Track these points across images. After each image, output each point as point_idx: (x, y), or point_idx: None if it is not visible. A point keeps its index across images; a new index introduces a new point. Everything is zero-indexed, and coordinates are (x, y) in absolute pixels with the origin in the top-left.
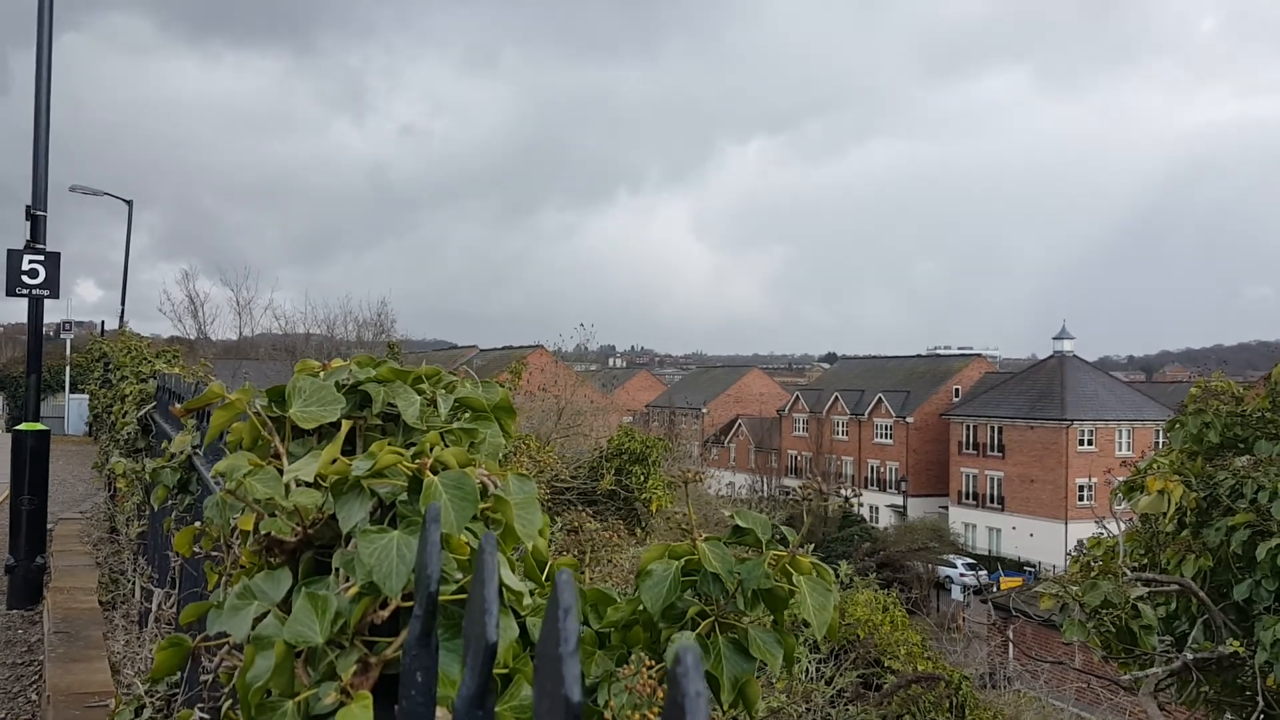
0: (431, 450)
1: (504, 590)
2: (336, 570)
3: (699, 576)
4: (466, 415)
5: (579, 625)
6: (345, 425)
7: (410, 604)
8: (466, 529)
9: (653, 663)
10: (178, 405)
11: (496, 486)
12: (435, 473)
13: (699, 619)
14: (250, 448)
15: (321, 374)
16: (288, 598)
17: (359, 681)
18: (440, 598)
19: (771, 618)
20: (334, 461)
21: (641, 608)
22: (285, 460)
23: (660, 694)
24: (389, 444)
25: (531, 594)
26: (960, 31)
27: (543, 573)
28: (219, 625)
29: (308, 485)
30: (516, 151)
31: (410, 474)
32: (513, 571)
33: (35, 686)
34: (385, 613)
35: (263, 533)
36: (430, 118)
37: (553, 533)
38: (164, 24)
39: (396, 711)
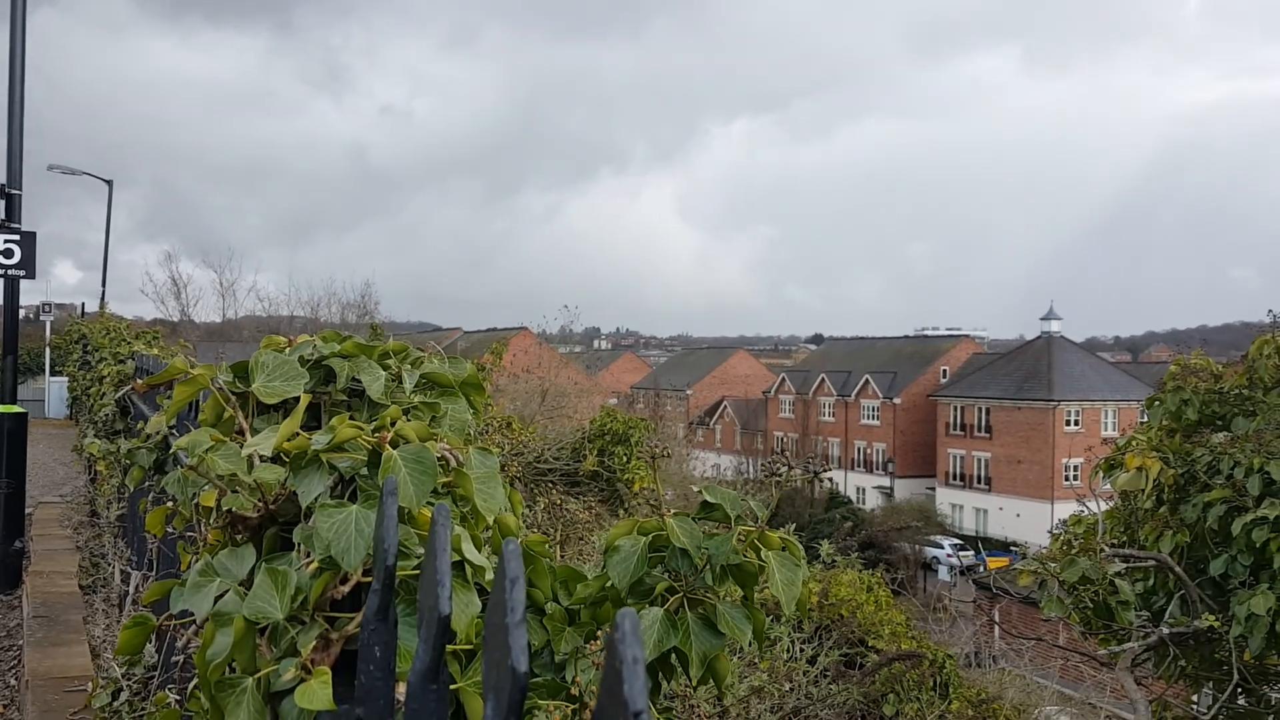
0: (393, 425)
1: (467, 566)
2: (298, 546)
3: (667, 552)
4: (433, 391)
5: (527, 596)
6: (305, 399)
7: (371, 579)
8: (430, 503)
9: None
10: (139, 381)
11: (458, 461)
12: (395, 446)
13: (668, 595)
14: (214, 424)
15: (287, 349)
16: (251, 575)
17: (320, 658)
18: (401, 573)
19: (742, 594)
20: (294, 436)
21: (610, 584)
22: (249, 436)
23: None
24: (353, 419)
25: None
26: (950, 10)
27: None
28: (181, 604)
29: (271, 462)
30: (498, 132)
31: (370, 448)
32: (477, 548)
33: (14, 671)
34: (346, 588)
35: (225, 509)
36: (411, 98)
37: (534, 514)
38: (141, 2)
39: (356, 687)
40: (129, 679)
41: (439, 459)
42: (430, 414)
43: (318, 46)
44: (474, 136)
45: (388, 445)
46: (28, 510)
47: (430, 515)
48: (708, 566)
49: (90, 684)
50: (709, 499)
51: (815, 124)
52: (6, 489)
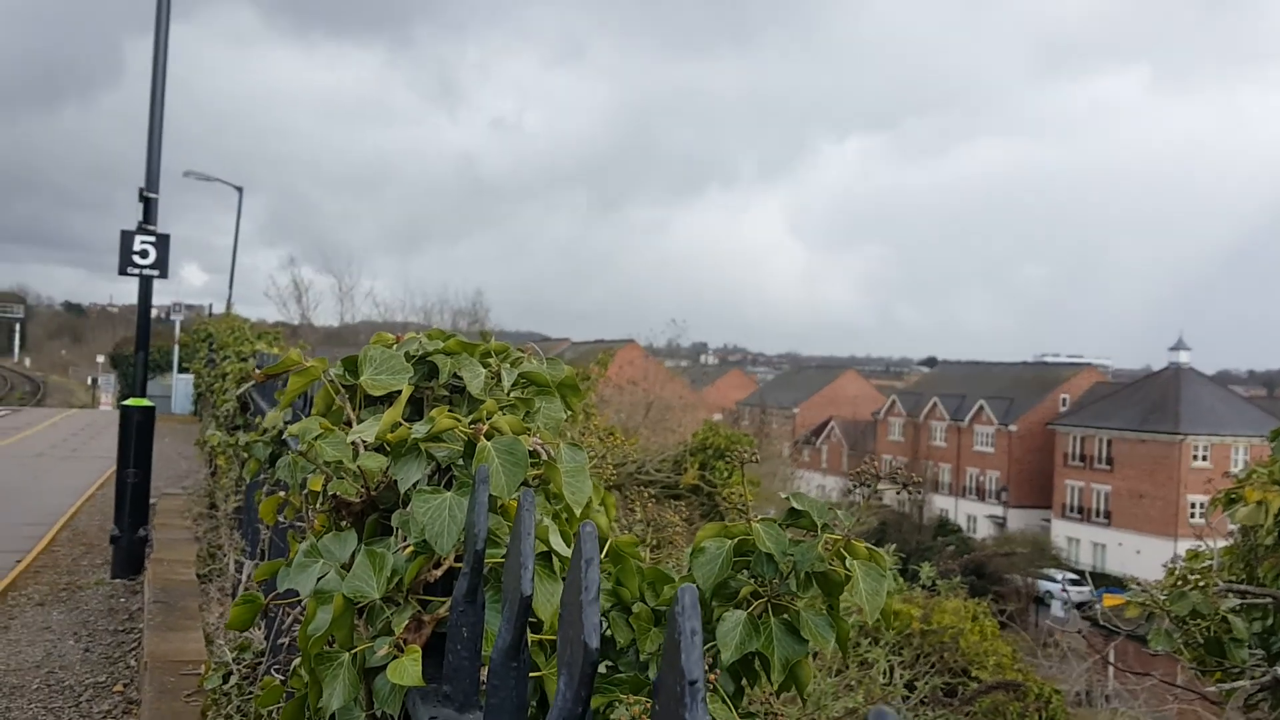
0: (488, 418)
1: (554, 557)
2: (396, 531)
3: (752, 557)
4: (530, 390)
5: (615, 595)
6: (406, 389)
7: (463, 564)
8: None
9: None
10: (258, 371)
11: (549, 455)
12: (490, 438)
13: (752, 599)
14: (324, 413)
15: (394, 345)
16: (353, 558)
17: (412, 638)
18: (490, 560)
19: (827, 602)
20: (396, 426)
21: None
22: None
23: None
24: (453, 414)
25: None
26: (1072, 29)
27: (602, 549)
28: (287, 583)
29: (375, 451)
30: (608, 146)
31: (466, 438)
32: (567, 544)
33: (134, 653)
34: (438, 572)
35: (330, 494)
36: (522, 111)
37: (630, 522)
38: (268, 16)
39: (444, 666)
40: (239, 663)
41: (530, 452)
42: (525, 409)
43: (433, 60)
44: (582, 150)
45: (482, 437)
46: (152, 501)
47: None
48: (792, 573)
49: (204, 667)
50: (796, 506)
51: (929, 143)
52: (134, 479)
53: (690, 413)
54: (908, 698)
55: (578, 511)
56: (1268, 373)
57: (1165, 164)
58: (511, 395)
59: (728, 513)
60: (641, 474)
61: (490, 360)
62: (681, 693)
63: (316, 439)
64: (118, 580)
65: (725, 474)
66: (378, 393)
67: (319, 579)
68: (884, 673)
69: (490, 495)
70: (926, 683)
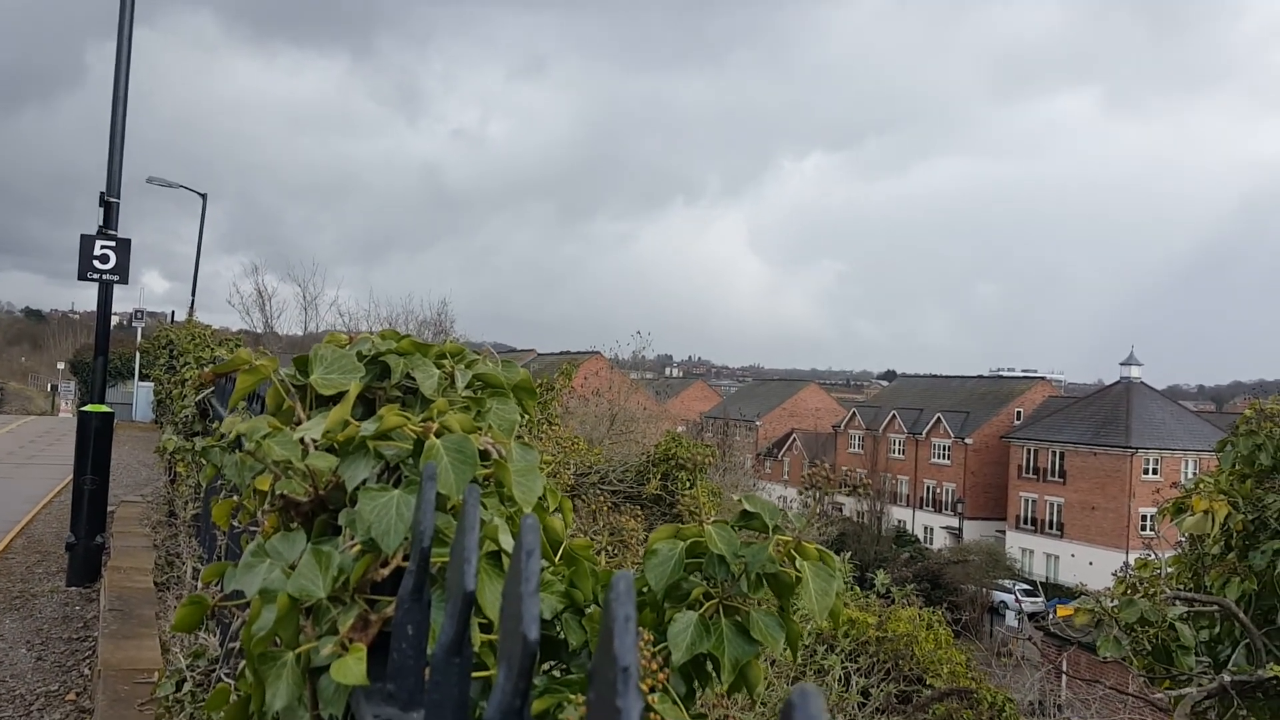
0: (439, 416)
1: (503, 555)
2: (344, 530)
3: (705, 558)
4: (485, 392)
5: (568, 597)
6: (355, 387)
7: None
8: None
9: (651, 638)
10: (206, 370)
11: (500, 454)
12: (440, 437)
13: (704, 600)
14: (275, 413)
15: (347, 345)
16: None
17: (358, 637)
18: (438, 559)
19: (778, 603)
20: (345, 425)
21: (647, 588)
22: None
23: (655, 667)
24: (402, 412)
25: (541, 570)
26: (1029, 52)
27: (557, 553)
28: (234, 584)
29: (326, 451)
30: (574, 159)
31: (416, 436)
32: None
33: (89, 661)
34: (386, 571)
35: (278, 494)
36: (487, 123)
37: (590, 532)
38: (228, 24)
39: (389, 664)
40: (193, 670)
41: (481, 451)
42: (476, 408)
43: (396, 71)
44: (549, 163)
45: (432, 435)
46: (110, 508)
47: None
48: (744, 574)
49: (157, 675)
50: (748, 508)
51: (889, 161)
52: (91, 485)
53: (654, 424)
54: (863, 704)
55: (528, 510)
56: (1217, 388)
57: (1118, 183)
58: (464, 396)
59: (687, 519)
60: (605, 484)
61: (445, 361)
62: (614, 679)
63: (265, 438)
64: (73, 588)
65: (687, 484)
66: (328, 392)
67: (265, 579)
68: (839, 679)
69: (439, 494)
70: (881, 689)
